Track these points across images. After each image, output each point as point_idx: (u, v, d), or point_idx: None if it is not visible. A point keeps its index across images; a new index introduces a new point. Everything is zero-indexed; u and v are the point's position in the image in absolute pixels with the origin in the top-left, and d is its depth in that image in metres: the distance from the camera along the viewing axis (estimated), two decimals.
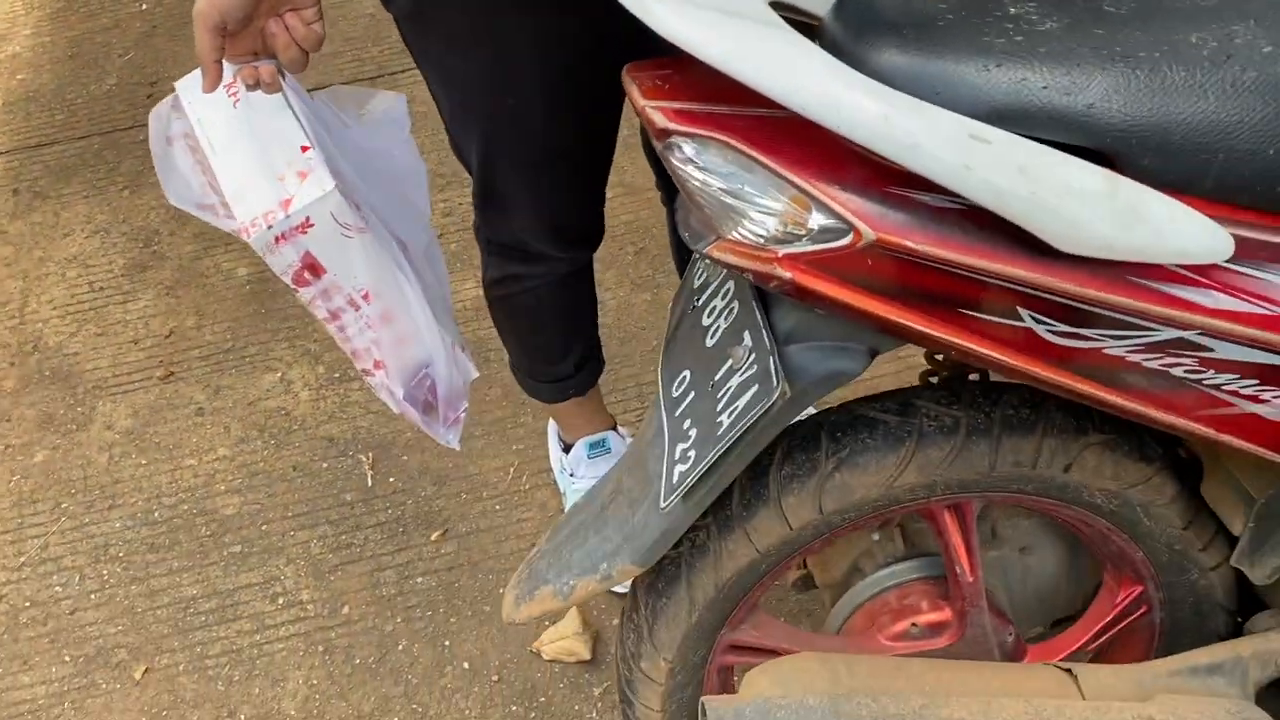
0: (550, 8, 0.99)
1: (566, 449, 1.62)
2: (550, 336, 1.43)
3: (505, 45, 1.02)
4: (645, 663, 1.06)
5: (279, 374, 1.91)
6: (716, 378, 0.88)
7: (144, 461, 1.81)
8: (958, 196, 0.72)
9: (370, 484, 1.74)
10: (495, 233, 1.28)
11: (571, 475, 1.60)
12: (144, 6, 2.74)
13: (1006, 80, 0.72)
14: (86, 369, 1.96)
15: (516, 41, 1.02)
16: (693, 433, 0.87)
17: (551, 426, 1.68)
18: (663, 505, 0.87)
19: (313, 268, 1.03)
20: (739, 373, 0.85)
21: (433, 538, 1.66)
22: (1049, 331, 0.77)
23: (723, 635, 1.06)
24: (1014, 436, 0.95)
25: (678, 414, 0.92)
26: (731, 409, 0.83)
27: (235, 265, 2.09)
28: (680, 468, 0.86)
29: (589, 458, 1.59)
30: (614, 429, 1.62)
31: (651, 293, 1.97)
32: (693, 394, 0.91)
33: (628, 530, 0.97)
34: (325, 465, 1.77)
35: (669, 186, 1.37)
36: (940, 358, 1.08)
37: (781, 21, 0.76)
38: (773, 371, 0.80)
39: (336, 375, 1.90)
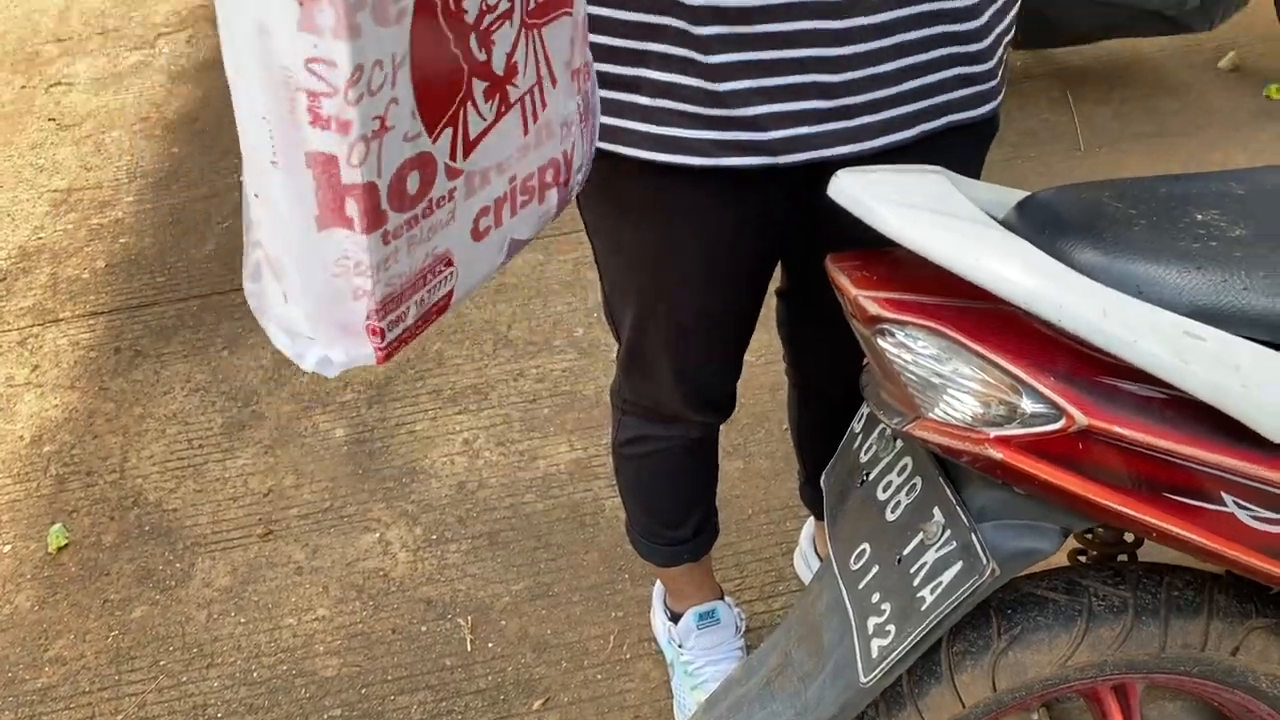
0: (720, 191, 1.07)
1: (674, 619, 1.62)
2: (673, 498, 1.46)
3: (674, 219, 1.09)
4: None
5: (377, 535, 1.94)
6: (905, 552, 0.91)
7: (243, 620, 1.82)
8: (1166, 387, 0.77)
9: (469, 649, 1.74)
10: (636, 394, 1.33)
11: (680, 646, 1.60)
12: (239, 178, 2.88)
13: (1208, 281, 0.78)
14: (186, 525, 1.98)
15: (685, 217, 1.09)
16: (886, 607, 0.89)
17: (657, 594, 1.69)
18: (864, 681, 0.88)
19: None
20: (933, 548, 0.88)
21: (534, 706, 1.65)
22: (1250, 517, 0.80)
23: None
24: (1182, 618, 0.97)
25: (861, 587, 0.94)
26: (934, 585, 0.85)
27: (333, 426, 2.15)
28: (879, 642, 0.88)
29: (698, 628, 1.59)
30: (722, 599, 1.63)
31: (743, 461, 2.01)
32: (877, 568, 0.93)
33: (800, 705, 0.98)
34: (424, 629, 1.77)
35: (800, 365, 1.42)
36: (1090, 536, 1.11)
37: (990, 219, 0.82)
38: (978, 548, 0.83)
39: (434, 537, 1.92)
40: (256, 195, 0.69)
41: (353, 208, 0.68)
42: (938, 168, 0.92)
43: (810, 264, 1.15)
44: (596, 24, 0.98)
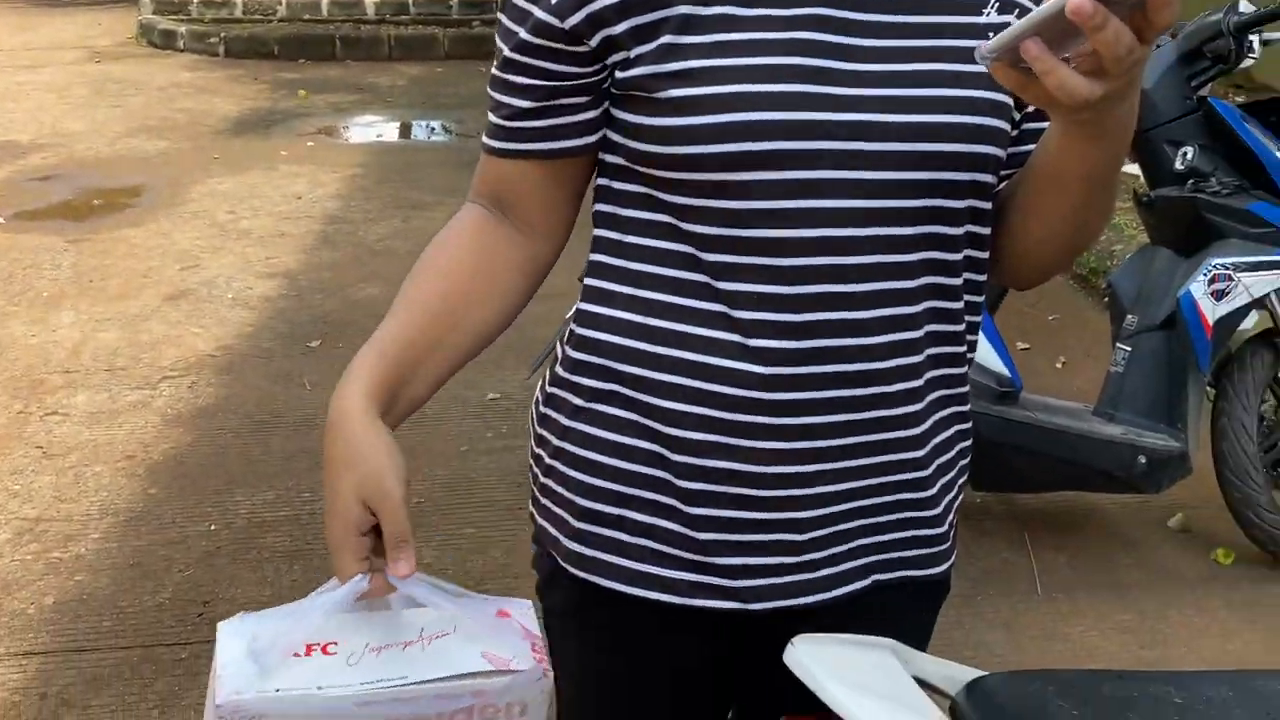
0: (692, 629, 1.08)
1: None
2: None
3: (645, 652, 1.11)
4: None
5: None
6: None
7: None
8: None
9: None
10: None
11: None
12: (211, 527, 2.90)
13: None
14: None
15: (656, 651, 1.10)
16: None
17: None
18: None
19: None
20: None
21: None
22: None
23: None
24: None
25: None
26: None
27: None
28: None
29: None
30: None
31: None
32: None
33: None
34: None
35: None
36: None
37: (934, 708, 0.84)
38: None
39: None
40: None
41: None
42: (889, 641, 0.96)
43: (767, 709, 1.15)
44: (584, 464, 1.05)
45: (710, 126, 0.92)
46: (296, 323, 4.17)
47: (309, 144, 6.72)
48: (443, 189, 5.56)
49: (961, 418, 1.10)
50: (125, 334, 4.04)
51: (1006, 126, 0.99)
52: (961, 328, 1.05)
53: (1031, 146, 1.02)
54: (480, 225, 1.06)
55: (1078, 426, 2.75)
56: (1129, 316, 2.83)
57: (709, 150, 0.92)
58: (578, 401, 1.05)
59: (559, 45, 0.95)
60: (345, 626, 0.91)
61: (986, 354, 2.71)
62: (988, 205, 1.01)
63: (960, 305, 1.04)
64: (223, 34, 9.64)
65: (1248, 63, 2.71)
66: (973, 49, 0.94)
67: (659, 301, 1.00)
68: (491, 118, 1.03)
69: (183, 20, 10.36)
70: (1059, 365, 3.97)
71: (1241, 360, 2.79)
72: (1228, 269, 2.69)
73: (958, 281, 1.03)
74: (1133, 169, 3.27)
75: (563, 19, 0.94)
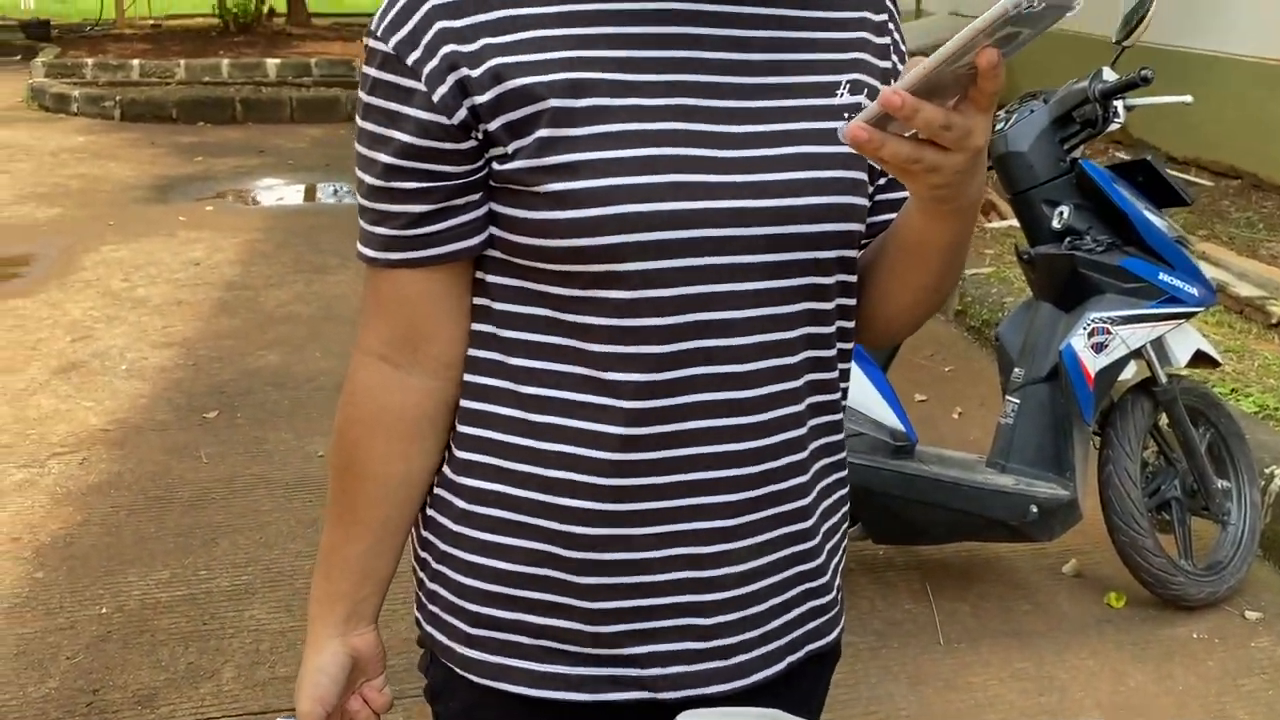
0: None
1: None
2: None
3: None
4: None
5: None
6: None
7: None
8: None
9: None
10: None
11: None
12: (102, 610, 2.80)
13: None
14: None
15: None
16: None
17: None
18: None
19: None
20: None
21: None
22: None
23: None
24: None
25: None
26: None
27: None
28: None
29: None
30: None
31: None
32: None
33: None
34: None
35: None
36: None
37: None
38: None
39: None
40: None
41: None
42: (775, 712, 0.97)
43: None
44: (474, 570, 1.03)
45: (591, 219, 0.93)
46: (193, 393, 4.08)
47: (208, 208, 6.63)
48: (346, 251, 5.52)
49: (841, 484, 1.13)
50: (11, 409, 3.91)
51: (865, 202, 1.04)
52: (836, 396, 1.08)
53: (888, 216, 1.08)
54: (389, 402, 1.02)
55: (971, 478, 2.82)
56: (1016, 369, 2.93)
57: (590, 243, 0.93)
58: (461, 505, 1.04)
59: (447, 145, 0.94)
60: None
61: (881, 410, 2.78)
62: (854, 271, 1.07)
63: (835, 376, 1.07)
64: (118, 97, 9.49)
65: (1114, 126, 2.85)
66: (829, 130, 0.99)
67: (541, 396, 0.99)
68: (379, 231, 0.99)
69: (76, 84, 10.18)
70: (956, 416, 4.07)
71: (1123, 409, 2.90)
72: (1105, 323, 2.81)
73: (832, 352, 1.06)
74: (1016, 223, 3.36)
75: (450, 115, 0.93)
